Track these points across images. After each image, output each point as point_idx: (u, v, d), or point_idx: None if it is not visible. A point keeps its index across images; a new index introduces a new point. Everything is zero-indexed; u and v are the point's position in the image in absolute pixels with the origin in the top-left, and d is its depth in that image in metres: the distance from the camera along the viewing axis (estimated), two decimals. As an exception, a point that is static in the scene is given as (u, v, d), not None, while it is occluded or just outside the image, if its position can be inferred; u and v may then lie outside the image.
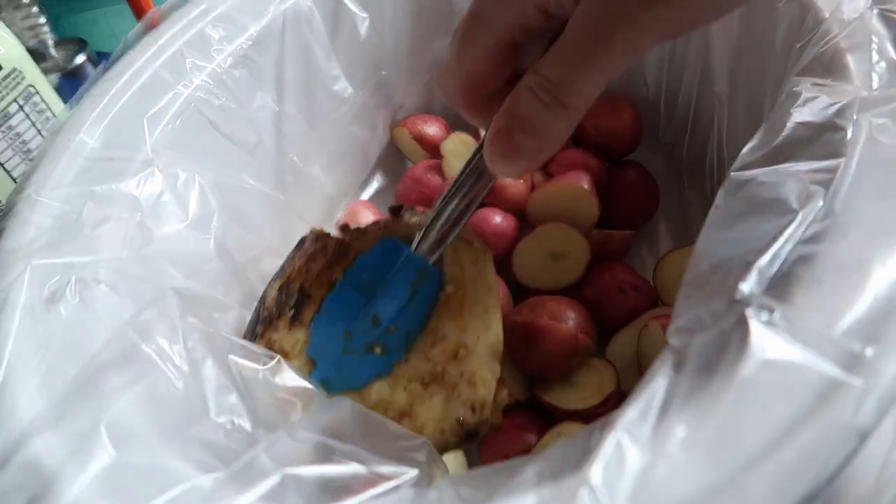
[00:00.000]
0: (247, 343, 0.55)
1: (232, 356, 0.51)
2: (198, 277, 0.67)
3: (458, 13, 1.02)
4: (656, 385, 0.39)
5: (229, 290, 0.72)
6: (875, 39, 0.55)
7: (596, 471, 0.35)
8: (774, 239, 0.42)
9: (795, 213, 0.43)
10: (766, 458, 0.34)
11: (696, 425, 0.36)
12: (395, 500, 0.41)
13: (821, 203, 0.42)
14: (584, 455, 0.37)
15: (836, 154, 0.46)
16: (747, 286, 0.40)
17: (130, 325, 0.53)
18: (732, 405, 0.36)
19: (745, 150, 0.54)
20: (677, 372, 0.39)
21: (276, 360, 0.53)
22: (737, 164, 0.54)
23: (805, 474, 0.33)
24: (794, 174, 0.45)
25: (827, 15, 0.60)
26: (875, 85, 0.52)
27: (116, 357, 0.50)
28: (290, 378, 0.52)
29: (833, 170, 0.45)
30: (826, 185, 0.44)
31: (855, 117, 0.48)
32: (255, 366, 0.51)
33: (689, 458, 0.35)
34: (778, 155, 0.51)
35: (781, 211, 0.43)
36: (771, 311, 0.38)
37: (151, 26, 0.87)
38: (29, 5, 1.19)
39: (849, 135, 0.47)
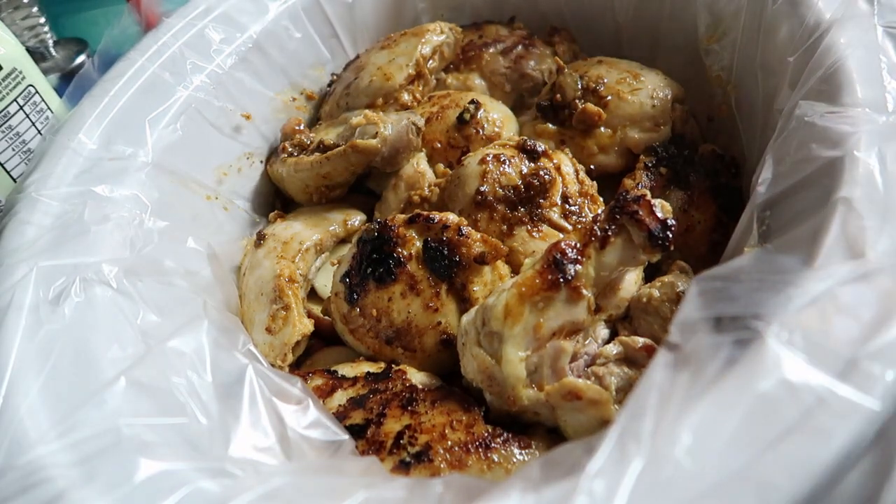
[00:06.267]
0: (278, 377, 0.54)
1: (262, 395, 0.51)
2: (195, 279, 0.67)
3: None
4: (657, 385, 0.39)
5: (216, 292, 0.72)
6: (884, 59, 0.54)
7: (594, 469, 0.36)
8: (808, 279, 0.42)
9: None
10: (777, 479, 0.34)
11: (702, 434, 0.36)
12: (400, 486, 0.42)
13: (858, 264, 0.43)
14: (585, 453, 0.37)
15: (864, 195, 0.46)
16: (771, 305, 0.41)
17: (161, 349, 0.53)
18: (743, 417, 0.36)
19: (761, 185, 0.54)
20: (678, 373, 0.39)
21: (305, 403, 0.52)
22: (756, 202, 0.54)
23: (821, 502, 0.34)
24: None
25: (827, 30, 0.60)
26: (890, 107, 0.51)
27: (141, 378, 0.50)
28: (316, 423, 0.51)
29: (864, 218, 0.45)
30: (860, 230, 0.44)
31: (878, 149, 0.48)
32: (285, 407, 0.51)
33: (695, 465, 0.35)
34: (800, 196, 0.51)
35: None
36: (791, 331, 0.39)
37: (150, 26, 0.87)
38: (29, 5, 1.19)
39: (877, 174, 0.47)
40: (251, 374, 0.52)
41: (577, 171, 0.74)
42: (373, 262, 0.67)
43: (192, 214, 0.75)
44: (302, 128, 0.90)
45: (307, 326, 0.71)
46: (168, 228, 0.68)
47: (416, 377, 0.63)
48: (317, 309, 0.75)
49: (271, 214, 0.84)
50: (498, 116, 0.84)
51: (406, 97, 0.88)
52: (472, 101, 0.83)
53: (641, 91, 0.80)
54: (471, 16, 1.05)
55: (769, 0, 0.70)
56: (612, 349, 0.56)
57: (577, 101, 0.80)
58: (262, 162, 0.89)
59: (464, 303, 0.66)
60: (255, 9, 0.90)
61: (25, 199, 0.65)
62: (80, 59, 1.24)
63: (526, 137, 0.75)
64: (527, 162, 0.72)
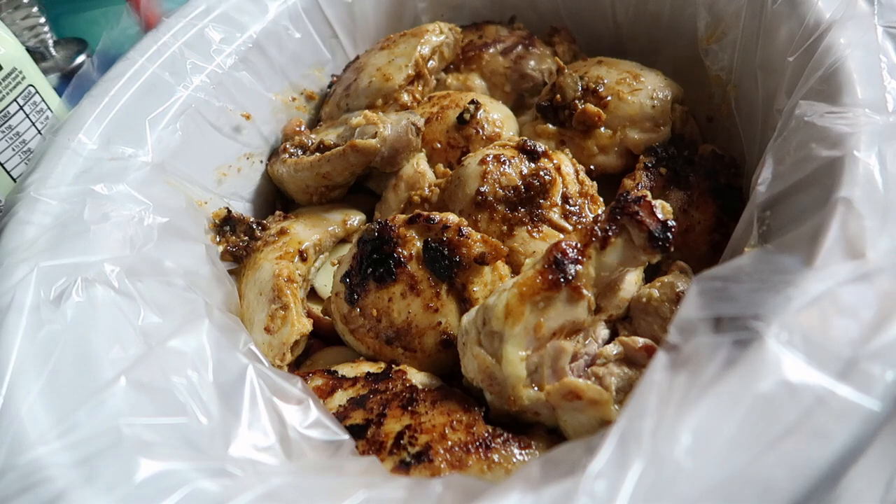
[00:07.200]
0: (278, 376, 0.54)
1: (262, 395, 0.51)
2: (195, 279, 0.67)
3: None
4: (657, 386, 0.39)
5: (216, 292, 0.72)
6: (884, 59, 0.54)
7: (596, 469, 0.36)
8: (808, 279, 0.42)
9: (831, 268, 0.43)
10: (777, 479, 0.34)
11: (702, 435, 0.36)
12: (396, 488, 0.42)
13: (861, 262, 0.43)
14: (586, 454, 0.37)
15: (864, 195, 0.46)
16: (771, 306, 0.41)
17: (162, 349, 0.53)
18: (743, 418, 0.36)
19: (761, 185, 0.54)
20: (678, 373, 0.39)
21: (306, 403, 0.52)
22: (756, 202, 0.54)
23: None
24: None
25: (827, 30, 0.60)
26: (890, 107, 0.52)
27: (141, 378, 0.50)
28: (316, 423, 0.51)
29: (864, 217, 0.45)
30: (860, 230, 0.44)
31: (878, 149, 0.48)
32: (286, 407, 0.51)
33: (695, 466, 0.35)
34: (800, 196, 0.51)
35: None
36: (791, 331, 0.39)
37: (149, 26, 0.87)
38: (29, 5, 1.19)
39: (877, 174, 0.47)
40: (252, 373, 0.52)
41: (577, 172, 0.74)
42: (373, 263, 0.67)
43: (191, 214, 0.75)
44: (303, 129, 0.90)
45: (305, 326, 0.71)
46: (168, 228, 0.68)
47: (417, 377, 0.63)
48: (317, 309, 0.76)
49: (271, 216, 0.84)
50: (498, 116, 0.84)
51: (406, 98, 0.88)
52: (472, 102, 0.83)
53: (641, 91, 0.80)
54: (471, 16, 1.05)
55: (769, 0, 0.70)
56: (613, 349, 0.56)
57: (576, 101, 0.80)
58: (262, 162, 0.89)
59: (464, 303, 0.66)
60: (255, 9, 0.90)
61: (25, 199, 0.65)
62: (80, 59, 1.24)
63: (526, 138, 0.75)
64: (527, 162, 0.72)
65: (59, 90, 0.93)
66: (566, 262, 0.54)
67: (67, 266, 0.58)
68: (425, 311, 0.65)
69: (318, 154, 0.81)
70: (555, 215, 0.71)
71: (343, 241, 0.81)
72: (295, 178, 0.82)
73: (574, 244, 0.55)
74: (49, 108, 0.89)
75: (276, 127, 0.91)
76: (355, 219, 0.82)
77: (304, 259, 0.76)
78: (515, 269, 0.68)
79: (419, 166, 0.80)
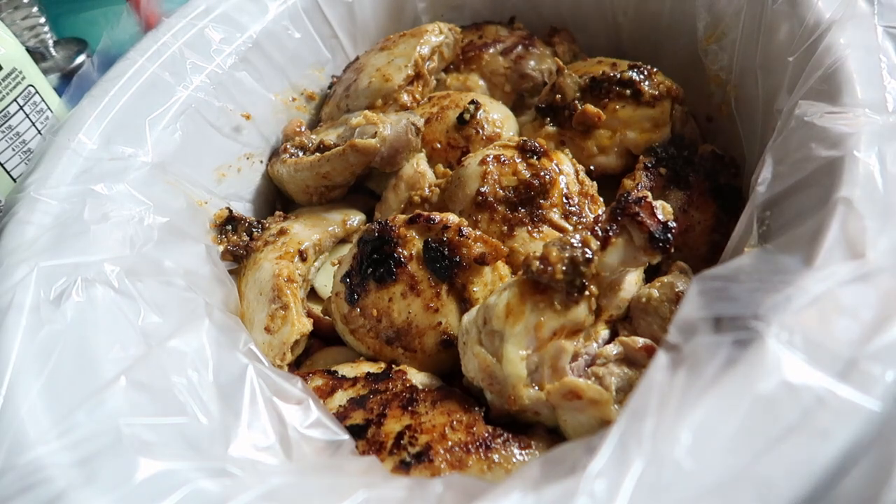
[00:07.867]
0: (278, 376, 0.54)
1: (262, 395, 0.51)
2: (195, 279, 0.67)
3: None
4: (657, 386, 0.39)
5: (216, 292, 0.72)
6: (884, 59, 0.54)
7: (596, 469, 0.36)
8: (808, 279, 0.42)
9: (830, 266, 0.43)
10: (777, 479, 0.34)
11: (702, 435, 0.36)
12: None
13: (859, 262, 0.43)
14: (586, 453, 0.37)
15: (864, 195, 0.46)
16: (771, 306, 0.41)
17: (162, 349, 0.53)
18: (743, 418, 0.36)
19: (761, 185, 0.54)
20: (678, 373, 0.39)
21: (306, 403, 0.52)
22: (756, 202, 0.54)
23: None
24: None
25: (827, 30, 0.60)
26: (890, 107, 0.52)
27: (141, 378, 0.50)
28: (316, 422, 0.51)
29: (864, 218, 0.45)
30: (860, 230, 0.44)
31: (878, 149, 0.48)
32: (286, 407, 0.51)
33: (696, 466, 0.35)
34: (800, 196, 0.51)
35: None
36: (791, 331, 0.39)
37: (149, 26, 0.87)
38: (29, 5, 1.19)
39: (877, 174, 0.47)
40: (252, 373, 0.52)
41: (577, 172, 0.74)
42: (373, 263, 0.67)
43: (191, 214, 0.75)
44: (303, 129, 0.90)
45: (305, 326, 0.71)
46: (168, 228, 0.68)
47: (417, 377, 0.63)
48: (317, 309, 0.76)
49: (271, 217, 0.84)
50: (498, 117, 0.84)
51: (405, 98, 0.88)
52: (472, 102, 0.83)
53: (641, 91, 0.80)
54: (471, 16, 1.05)
55: (769, 0, 0.70)
56: (613, 349, 0.56)
57: (576, 101, 0.80)
58: (262, 162, 0.89)
59: (464, 303, 0.66)
60: (255, 9, 0.90)
61: (25, 199, 0.65)
62: (80, 59, 1.24)
63: (526, 138, 0.75)
64: (527, 162, 0.72)
65: (59, 90, 0.93)
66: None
67: (67, 266, 0.58)
68: (425, 311, 0.65)
69: (318, 154, 0.81)
70: (555, 215, 0.71)
71: (343, 241, 0.81)
72: (295, 178, 0.82)
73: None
74: (49, 108, 0.89)
75: (276, 127, 0.91)
76: (355, 219, 0.82)
77: (303, 259, 0.76)
78: (515, 270, 0.68)
79: (419, 166, 0.80)
